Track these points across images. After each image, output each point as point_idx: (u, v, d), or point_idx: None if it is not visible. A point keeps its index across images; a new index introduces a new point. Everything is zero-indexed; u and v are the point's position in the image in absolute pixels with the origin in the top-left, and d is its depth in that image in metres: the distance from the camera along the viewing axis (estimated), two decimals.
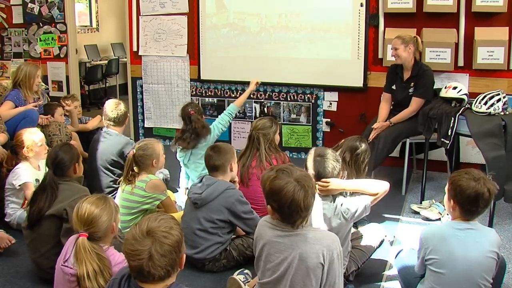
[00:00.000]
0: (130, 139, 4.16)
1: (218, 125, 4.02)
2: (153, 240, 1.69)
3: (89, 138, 4.50)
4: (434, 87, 4.47)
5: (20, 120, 4.18)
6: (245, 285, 2.74)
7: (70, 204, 2.75)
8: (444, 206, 3.77)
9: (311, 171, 2.72)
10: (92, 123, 4.92)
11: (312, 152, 2.77)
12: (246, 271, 2.87)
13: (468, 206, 2.27)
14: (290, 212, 2.11)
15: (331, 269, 2.13)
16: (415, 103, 4.26)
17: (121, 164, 4.00)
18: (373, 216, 3.75)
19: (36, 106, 4.39)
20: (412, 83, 4.30)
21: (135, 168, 3.35)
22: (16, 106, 4.34)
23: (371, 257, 3.00)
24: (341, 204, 2.61)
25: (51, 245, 2.81)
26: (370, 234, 3.09)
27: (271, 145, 3.70)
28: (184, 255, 1.80)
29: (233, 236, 3.17)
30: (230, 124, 5.61)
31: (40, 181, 3.02)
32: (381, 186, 2.68)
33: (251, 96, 5.56)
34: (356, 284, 2.88)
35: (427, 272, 2.37)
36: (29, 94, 4.48)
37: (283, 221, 2.17)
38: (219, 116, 4.20)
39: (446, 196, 2.41)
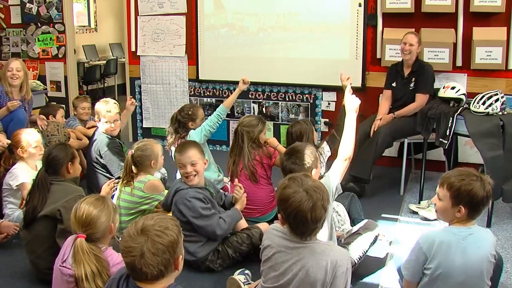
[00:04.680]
0: (112, 138, 4.08)
1: (205, 126, 4.00)
2: (146, 238, 1.69)
3: None
4: (433, 88, 4.49)
5: (8, 122, 4.17)
6: (245, 285, 2.74)
7: (63, 204, 2.75)
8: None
9: (285, 168, 2.75)
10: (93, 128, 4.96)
11: (286, 150, 2.81)
12: (247, 271, 2.86)
13: (480, 206, 2.18)
14: (296, 223, 2.06)
15: (333, 285, 2.07)
16: (420, 99, 4.30)
17: (101, 163, 4.02)
18: (371, 216, 3.76)
19: (21, 105, 4.34)
20: (413, 78, 4.36)
21: (133, 168, 3.34)
22: None
23: (368, 255, 3.00)
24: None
25: (47, 246, 2.80)
26: (363, 227, 3.07)
27: (254, 142, 3.75)
28: (181, 257, 1.79)
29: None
30: (229, 124, 5.65)
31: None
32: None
33: (250, 96, 5.57)
34: (353, 283, 2.88)
35: (426, 280, 2.25)
36: (8, 87, 4.39)
37: (291, 232, 2.12)
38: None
39: (445, 203, 2.22)
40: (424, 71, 4.33)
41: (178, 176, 4.27)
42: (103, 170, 4.02)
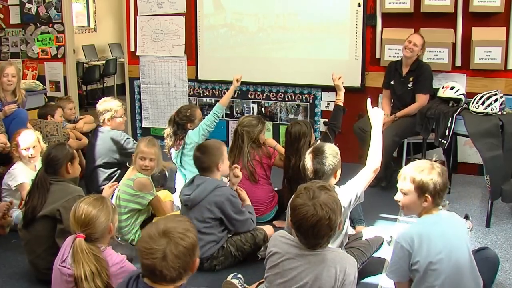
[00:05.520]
0: (123, 132, 4.12)
1: (203, 125, 3.99)
2: (168, 240, 1.68)
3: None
4: (432, 87, 4.50)
5: (10, 121, 4.17)
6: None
7: (63, 204, 2.75)
8: (441, 205, 3.80)
9: (309, 169, 2.73)
10: (87, 126, 4.99)
11: (310, 150, 2.80)
12: (239, 275, 2.85)
13: (443, 193, 2.31)
14: (299, 232, 2.07)
15: None
16: (421, 99, 4.33)
17: (115, 159, 4.02)
18: (371, 216, 3.78)
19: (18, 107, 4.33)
20: (411, 78, 4.39)
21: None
22: None
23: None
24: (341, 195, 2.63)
25: (47, 246, 2.80)
26: (370, 236, 3.11)
27: (254, 142, 3.75)
28: (198, 260, 1.79)
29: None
30: (228, 123, 5.66)
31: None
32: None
33: (249, 96, 5.57)
34: None
35: (420, 275, 2.27)
36: (1, 92, 4.35)
37: (298, 238, 2.13)
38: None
39: (411, 196, 2.34)
40: (422, 71, 4.35)
41: (178, 177, 4.28)
42: (105, 170, 4.01)
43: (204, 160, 3.10)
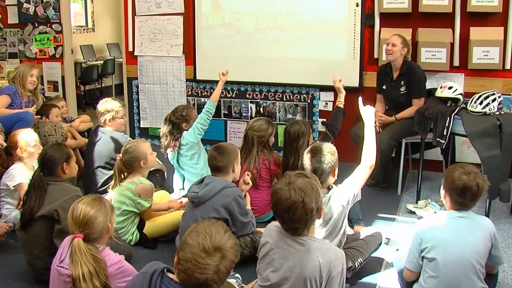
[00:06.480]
0: (124, 134, 4.15)
1: (197, 125, 3.99)
2: (221, 255, 1.72)
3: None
4: (430, 87, 4.50)
5: (15, 122, 4.19)
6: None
7: (61, 204, 2.75)
8: (439, 205, 3.82)
9: (308, 168, 2.74)
10: (83, 125, 5.00)
11: (308, 149, 2.81)
12: (237, 275, 2.85)
13: (455, 196, 2.40)
14: (278, 216, 2.13)
15: (328, 286, 2.08)
16: (417, 103, 4.32)
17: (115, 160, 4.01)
18: (369, 216, 3.78)
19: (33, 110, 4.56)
20: (402, 82, 4.37)
21: (125, 173, 3.40)
22: (12, 100, 4.57)
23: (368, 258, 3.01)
24: (336, 194, 2.67)
25: (44, 247, 2.80)
26: (369, 236, 3.11)
27: (264, 147, 3.75)
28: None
29: None
30: (226, 124, 5.65)
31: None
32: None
33: (247, 96, 5.57)
34: (352, 283, 2.88)
35: (425, 264, 2.40)
36: (23, 91, 4.69)
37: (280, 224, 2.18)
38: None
39: (442, 186, 2.53)
40: (414, 74, 4.31)
41: (176, 177, 4.27)
42: (105, 172, 3.99)
43: (221, 160, 3.11)
